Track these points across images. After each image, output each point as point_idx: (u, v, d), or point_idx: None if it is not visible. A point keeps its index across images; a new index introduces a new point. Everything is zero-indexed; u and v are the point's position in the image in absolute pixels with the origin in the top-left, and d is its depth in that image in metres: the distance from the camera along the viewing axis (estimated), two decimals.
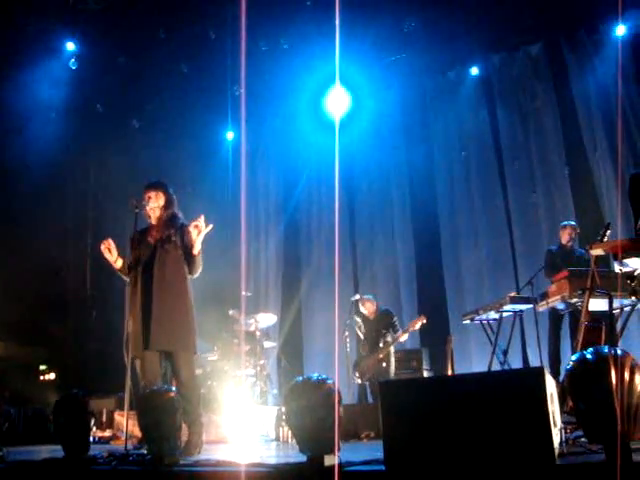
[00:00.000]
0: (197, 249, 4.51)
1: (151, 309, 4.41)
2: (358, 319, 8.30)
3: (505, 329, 6.68)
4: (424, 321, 7.80)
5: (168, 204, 4.69)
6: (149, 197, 4.66)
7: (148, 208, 4.62)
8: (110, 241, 4.64)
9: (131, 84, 9.63)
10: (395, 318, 8.24)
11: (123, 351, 4.43)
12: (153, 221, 4.71)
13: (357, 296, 8.40)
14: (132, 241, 4.68)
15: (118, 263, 4.66)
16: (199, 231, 4.45)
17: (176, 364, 4.43)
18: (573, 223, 7.42)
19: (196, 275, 4.69)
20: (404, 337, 7.92)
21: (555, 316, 6.76)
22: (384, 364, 7.87)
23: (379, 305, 8.36)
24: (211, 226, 4.51)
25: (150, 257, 4.55)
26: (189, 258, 4.57)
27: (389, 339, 7.93)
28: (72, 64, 9.52)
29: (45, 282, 9.26)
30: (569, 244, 7.25)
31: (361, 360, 8.08)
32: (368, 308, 8.23)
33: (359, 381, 8.07)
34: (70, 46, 9.46)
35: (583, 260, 6.87)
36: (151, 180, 4.87)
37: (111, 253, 4.62)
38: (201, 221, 4.44)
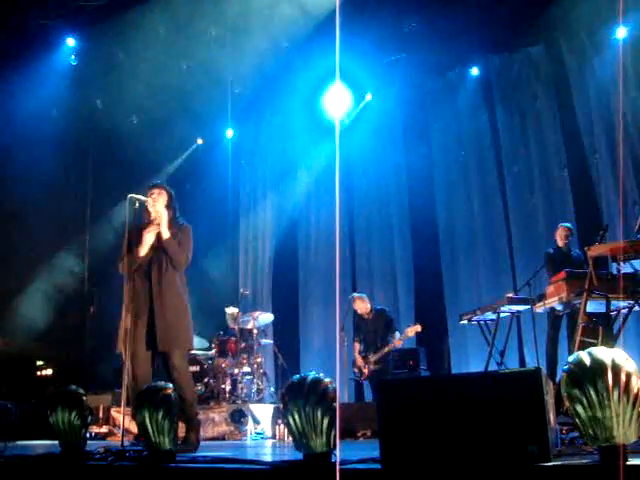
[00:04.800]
0: (165, 235, 4.49)
1: (154, 308, 4.43)
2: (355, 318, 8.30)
3: (502, 330, 6.68)
4: (419, 329, 7.77)
5: (169, 204, 4.71)
6: (152, 195, 4.67)
7: (150, 205, 4.61)
8: None
9: (130, 80, 9.61)
10: (391, 317, 8.20)
11: (120, 347, 4.42)
12: (153, 219, 4.69)
13: (355, 294, 8.41)
14: (130, 235, 4.65)
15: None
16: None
17: (171, 362, 4.42)
18: (568, 225, 7.41)
19: (181, 267, 4.61)
20: (400, 343, 7.90)
21: (554, 317, 6.75)
22: (382, 363, 7.87)
23: (374, 305, 8.33)
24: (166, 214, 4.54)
25: (150, 257, 4.56)
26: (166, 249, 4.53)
27: (387, 341, 7.91)
28: (72, 60, 9.53)
29: (43, 277, 9.26)
30: (565, 246, 7.25)
31: (359, 359, 8.08)
32: (359, 307, 8.16)
33: (359, 379, 8.07)
34: (70, 42, 9.46)
35: (580, 261, 6.86)
36: (156, 182, 4.93)
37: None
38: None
